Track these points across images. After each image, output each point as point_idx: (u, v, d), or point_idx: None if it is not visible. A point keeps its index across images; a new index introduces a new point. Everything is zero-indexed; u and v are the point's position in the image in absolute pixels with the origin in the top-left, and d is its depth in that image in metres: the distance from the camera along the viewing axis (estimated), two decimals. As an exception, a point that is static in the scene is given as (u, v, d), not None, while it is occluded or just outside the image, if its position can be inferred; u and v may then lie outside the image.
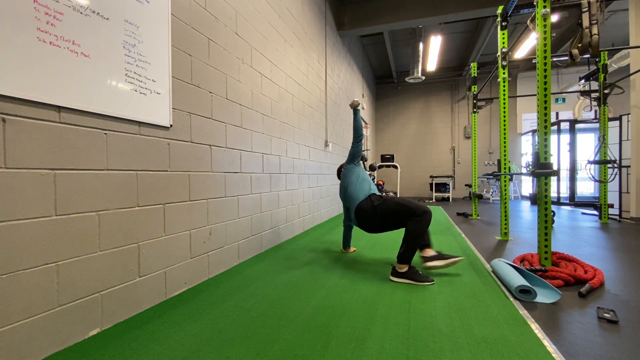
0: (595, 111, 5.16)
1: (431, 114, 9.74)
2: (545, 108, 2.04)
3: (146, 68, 1.52)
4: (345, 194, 2.37)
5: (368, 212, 2.15)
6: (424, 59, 7.69)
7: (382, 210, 2.09)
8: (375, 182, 7.63)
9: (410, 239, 1.93)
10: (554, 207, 6.02)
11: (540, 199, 2.05)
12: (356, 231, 3.68)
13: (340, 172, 2.66)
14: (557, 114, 8.50)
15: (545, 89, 2.04)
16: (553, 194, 5.43)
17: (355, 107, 2.53)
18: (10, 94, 1.02)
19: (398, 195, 8.82)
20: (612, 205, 4.69)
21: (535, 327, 1.33)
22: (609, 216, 4.77)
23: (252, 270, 2.17)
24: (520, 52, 6.24)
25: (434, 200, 8.52)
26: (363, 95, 7.61)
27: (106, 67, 1.32)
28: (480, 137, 9.31)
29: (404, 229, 2.29)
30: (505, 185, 3.31)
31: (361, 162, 2.62)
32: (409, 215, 1.98)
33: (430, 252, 2.10)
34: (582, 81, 4.28)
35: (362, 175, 2.39)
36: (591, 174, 3.70)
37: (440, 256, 2.08)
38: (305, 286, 1.85)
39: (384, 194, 7.51)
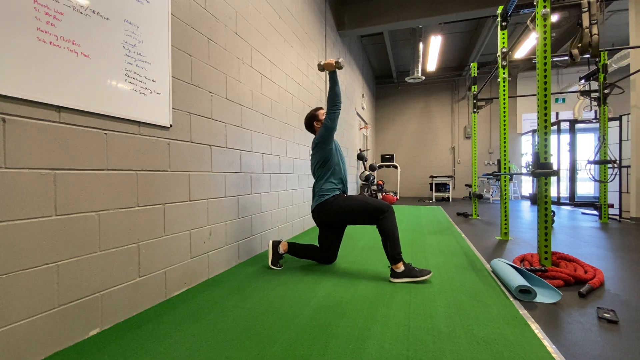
0: (595, 111, 5.17)
1: (431, 114, 9.74)
2: (545, 108, 2.04)
3: (146, 68, 1.52)
4: (342, 166, 2.26)
5: (330, 209, 2.12)
6: (424, 59, 7.69)
7: (347, 207, 2.07)
8: (375, 182, 7.63)
9: (391, 236, 1.95)
10: (554, 207, 6.02)
11: (540, 199, 2.05)
12: (357, 230, 3.68)
13: (309, 125, 2.35)
14: (557, 114, 8.50)
15: (545, 89, 2.04)
16: (553, 194, 5.43)
17: (335, 69, 2.08)
18: (10, 94, 1.02)
19: (398, 196, 8.83)
20: (612, 205, 4.70)
21: (535, 327, 1.33)
22: (609, 216, 4.77)
23: (253, 270, 2.17)
24: (520, 52, 6.24)
25: (434, 200, 8.52)
26: (363, 95, 7.61)
27: (106, 67, 1.32)
28: (480, 137, 9.31)
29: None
30: (505, 185, 3.31)
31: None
32: (377, 212, 1.98)
33: (399, 267, 1.97)
34: (582, 81, 4.28)
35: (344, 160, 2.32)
36: (591, 174, 3.70)
37: (408, 272, 1.96)
38: (305, 286, 1.85)
39: (382, 194, 7.51)
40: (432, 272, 1.95)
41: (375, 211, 1.99)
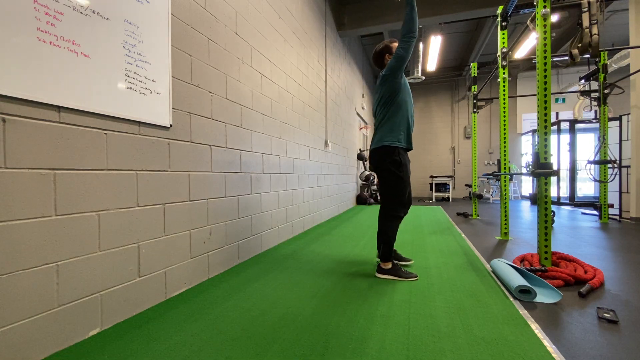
0: (595, 111, 5.17)
1: (431, 114, 9.74)
2: (545, 108, 2.04)
3: (146, 68, 1.52)
4: (410, 106, 1.98)
5: (384, 159, 1.92)
6: (424, 59, 7.68)
7: (392, 178, 1.92)
8: (375, 182, 7.62)
9: (385, 238, 1.96)
10: (554, 207, 6.02)
11: (540, 199, 2.05)
12: (357, 230, 3.68)
13: (379, 58, 2.08)
14: (557, 114, 8.50)
15: (545, 89, 2.04)
16: (553, 194, 5.43)
17: None
18: (10, 94, 1.02)
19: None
20: (612, 205, 4.69)
21: (535, 327, 1.33)
22: (609, 216, 4.77)
23: (252, 270, 2.17)
24: (520, 52, 6.24)
25: (434, 200, 8.52)
26: (363, 95, 7.61)
27: (106, 67, 1.32)
28: (480, 137, 9.31)
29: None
30: (505, 185, 3.31)
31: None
32: (393, 206, 1.94)
33: (387, 265, 2.00)
34: (582, 81, 4.28)
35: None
36: (591, 174, 3.70)
37: (394, 272, 1.97)
38: (305, 286, 1.85)
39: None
40: (418, 277, 1.97)
41: (393, 203, 1.94)
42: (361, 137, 7.59)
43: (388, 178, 1.94)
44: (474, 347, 1.18)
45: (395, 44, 2.02)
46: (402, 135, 1.92)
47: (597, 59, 4.06)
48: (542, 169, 2.02)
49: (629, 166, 4.46)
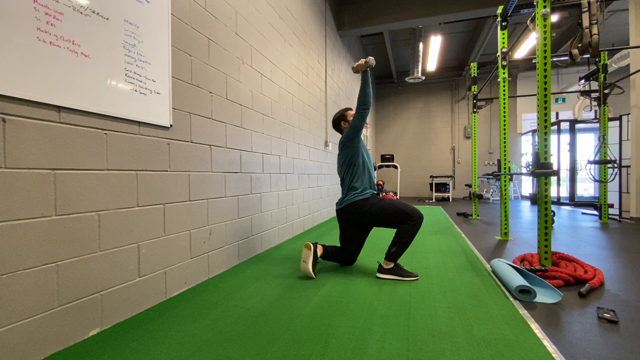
0: (595, 111, 5.17)
1: (431, 114, 9.74)
2: (545, 108, 2.04)
3: (146, 68, 1.52)
4: (369, 164, 2.20)
5: (364, 210, 2.08)
6: (424, 59, 7.69)
7: (382, 208, 2.04)
8: (375, 182, 7.62)
9: (404, 241, 1.96)
10: (554, 207, 6.02)
11: (540, 199, 2.05)
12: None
13: (337, 125, 2.34)
14: (557, 114, 8.50)
15: (545, 89, 2.04)
16: (553, 194, 5.43)
17: (366, 68, 2.07)
18: (10, 94, 1.02)
19: (398, 196, 8.82)
20: (612, 205, 4.69)
21: (535, 327, 1.33)
22: (609, 216, 4.77)
23: (252, 270, 2.17)
24: (520, 52, 6.25)
25: (434, 200, 8.52)
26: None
27: (106, 67, 1.32)
28: (480, 137, 9.31)
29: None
30: (505, 185, 3.31)
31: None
32: (407, 217, 1.97)
33: (389, 265, 2.01)
34: (582, 81, 4.28)
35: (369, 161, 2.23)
36: (591, 174, 3.70)
37: (396, 271, 1.99)
38: (305, 286, 1.85)
39: (383, 194, 7.51)
40: (418, 277, 1.98)
41: (405, 216, 1.97)
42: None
43: (381, 208, 2.04)
44: (474, 347, 1.18)
45: (350, 112, 2.29)
46: (367, 189, 2.14)
47: (597, 59, 4.06)
48: (542, 169, 2.02)
49: (629, 166, 4.46)
